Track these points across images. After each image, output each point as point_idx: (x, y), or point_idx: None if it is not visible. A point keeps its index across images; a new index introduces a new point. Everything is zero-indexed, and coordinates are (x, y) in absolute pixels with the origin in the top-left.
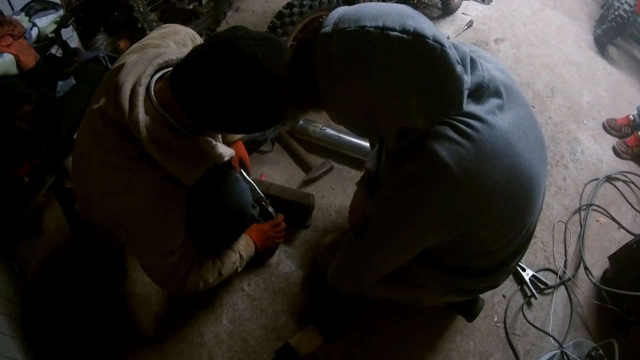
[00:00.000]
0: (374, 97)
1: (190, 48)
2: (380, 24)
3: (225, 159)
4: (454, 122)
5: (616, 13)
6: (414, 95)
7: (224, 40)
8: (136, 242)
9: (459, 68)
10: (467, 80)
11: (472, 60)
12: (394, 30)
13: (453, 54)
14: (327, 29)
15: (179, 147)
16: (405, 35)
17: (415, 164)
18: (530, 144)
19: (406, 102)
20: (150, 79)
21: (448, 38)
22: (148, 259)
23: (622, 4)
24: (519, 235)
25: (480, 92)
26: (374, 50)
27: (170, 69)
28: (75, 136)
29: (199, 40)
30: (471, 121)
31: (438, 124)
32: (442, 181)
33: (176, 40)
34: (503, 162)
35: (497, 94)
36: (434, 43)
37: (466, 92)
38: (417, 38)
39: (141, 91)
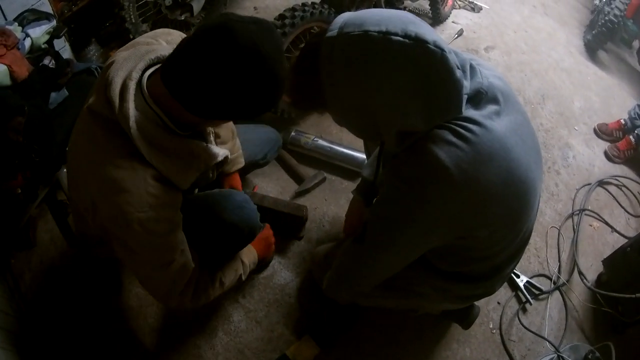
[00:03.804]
0: (376, 99)
1: None
2: (384, 28)
3: (219, 159)
4: (453, 126)
5: (606, 18)
6: (414, 98)
7: (219, 25)
8: (130, 252)
9: (458, 73)
10: (467, 85)
11: (472, 67)
12: (397, 35)
13: (453, 59)
14: (332, 32)
15: (170, 146)
16: (407, 40)
17: (414, 167)
18: (527, 149)
19: (406, 104)
20: (143, 74)
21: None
22: (144, 271)
23: (612, 8)
24: (515, 240)
25: (479, 98)
26: (377, 54)
27: None
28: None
29: None
30: (469, 125)
31: (437, 128)
32: (441, 183)
33: (168, 40)
34: (500, 165)
35: (495, 100)
36: (434, 48)
37: (465, 96)
38: (418, 42)
39: (132, 85)
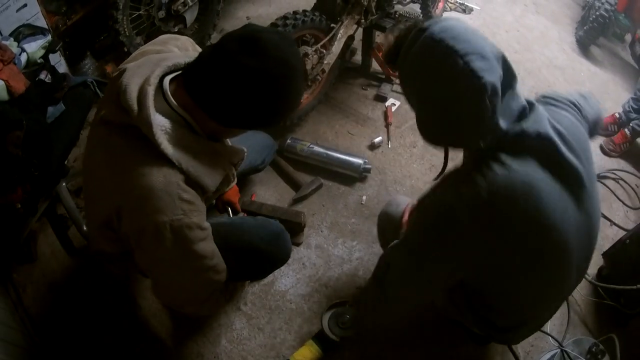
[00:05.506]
0: (428, 102)
1: (192, 52)
2: (458, 47)
3: (244, 154)
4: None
5: (597, 13)
6: (450, 115)
7: (247, 36)
8: (157, 260)
9: (489, 111)
10: (502, 124)
11: (536, 114)
12: (461, 57)
13: (494, 101)
14: (430, 30)
15: (197, 147)
16: (466, 66)
17: (432, 206)
18: (580, 222)
19: (444, 116)
20: (162, 81)
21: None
22: (168, 279)
23: (603, 3)
24: (542, 301)
25: (521, 144)
26: (438, 65)
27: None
28: (82, 162)
29: (198, 48)
30: (493, 163)
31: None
32: (453, 221)
33: (178, 46)
34: (521, 207)
35: (543, 160)
36: (480, 82)
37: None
38: (474, 73)
39: (150, 91)
